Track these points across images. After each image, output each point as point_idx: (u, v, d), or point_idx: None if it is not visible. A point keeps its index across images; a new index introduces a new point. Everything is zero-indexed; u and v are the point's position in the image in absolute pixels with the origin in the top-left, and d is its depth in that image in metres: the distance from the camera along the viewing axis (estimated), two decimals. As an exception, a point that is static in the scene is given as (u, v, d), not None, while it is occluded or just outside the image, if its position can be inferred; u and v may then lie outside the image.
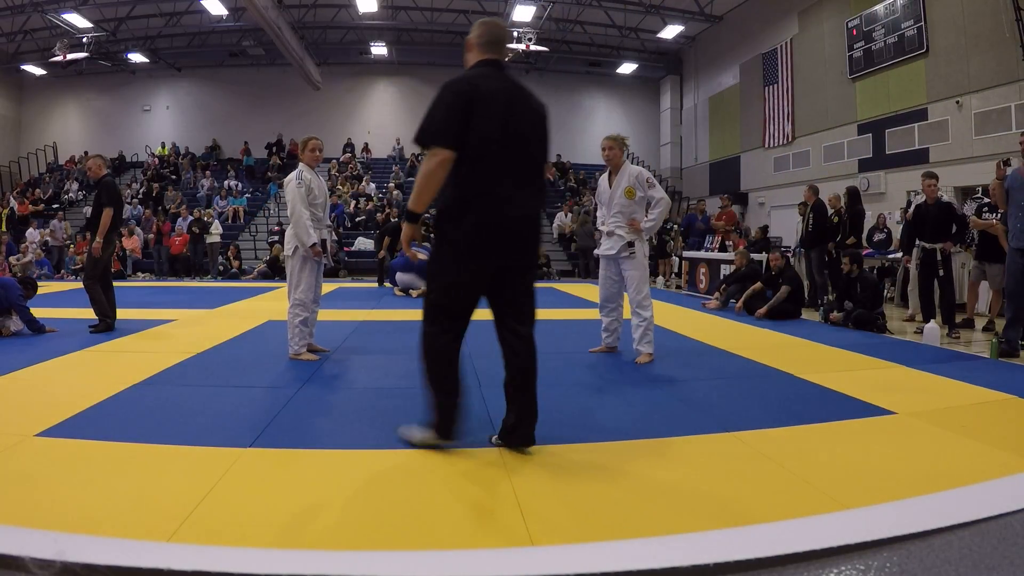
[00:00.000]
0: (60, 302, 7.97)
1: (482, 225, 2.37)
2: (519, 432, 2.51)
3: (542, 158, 2.56)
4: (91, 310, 5.56)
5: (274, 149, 19.85)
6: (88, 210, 15.38)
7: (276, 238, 13.95)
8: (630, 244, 4.39)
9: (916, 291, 7.17)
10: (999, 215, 6.15)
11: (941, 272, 6.23)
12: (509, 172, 2.40)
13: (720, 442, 2.68)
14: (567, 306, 8.43)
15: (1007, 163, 5.22)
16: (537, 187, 2.53)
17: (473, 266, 2.43)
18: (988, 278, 6.53)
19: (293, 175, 4.34)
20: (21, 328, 5.32)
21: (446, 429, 2.48)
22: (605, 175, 4.64)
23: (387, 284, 10.72)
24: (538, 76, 20.77)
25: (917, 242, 6.57)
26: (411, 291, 9.05)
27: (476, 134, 2.31)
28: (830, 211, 8.13)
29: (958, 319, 6.31)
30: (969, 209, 7.58)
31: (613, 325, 4.69)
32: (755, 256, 9.00)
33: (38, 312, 5.53)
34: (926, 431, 2.85)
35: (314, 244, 4.24)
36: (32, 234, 13.94)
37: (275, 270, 12.66)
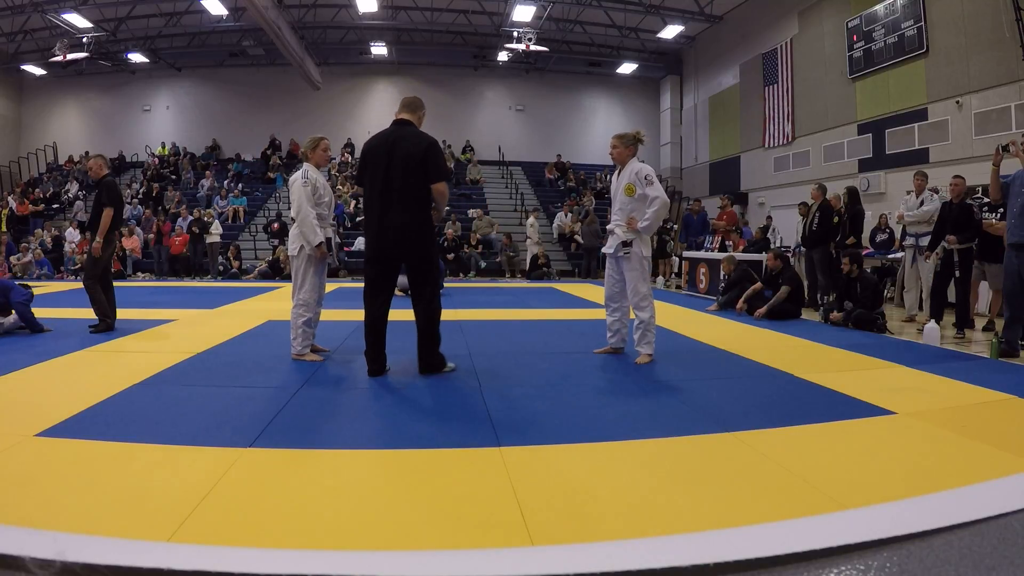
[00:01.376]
0: (60, 302, 7.97)
1: (368, 233, 3.83)
2: (419, 365, 3.91)
3: (411, 187, 3.68)
4: (91, 310, 5.57)
5: (270, 152, 19.80)
6: (76, 205, 15.48)
7: (277, 241, 13.95)
8: (626, 243, 4.35)
9: (911, 292, 7.17)
10: (999, 215, 6.14)
11: (958, 273, 6.21)
12: (380, 199, 3.70)
13: (720, 442, 2.68)
14: (567, 306, 8.43)
15: (1006, 148, 5.18)
16: (405, 209, 3.68)
17: (368, 256, 3.83)
18: (988, 278, 6.52)
19: (299, 174, 4.30)
20: (9, 321, 5.28)
21: (368, 366, 3.87)
22: (616, 173, 4.62)
23: None
24: (538, 76, 20.80)
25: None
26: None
27: (366, 176, 3.79)
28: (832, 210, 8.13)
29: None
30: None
31: (616, 325, 4.63)
32: (755, 256, 9.00)
33: (40, 312, 5.54)
34: (926, 431, 2.85)
35: (320, 244, 4.23)
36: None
37: (275, 270, 12.66)
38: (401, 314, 7.02)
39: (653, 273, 12.11)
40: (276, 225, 14.82)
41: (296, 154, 19.06)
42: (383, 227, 3.71)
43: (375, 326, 3.81)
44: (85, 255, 7.00)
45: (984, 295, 7.04)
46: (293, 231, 4.32)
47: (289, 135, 19.72)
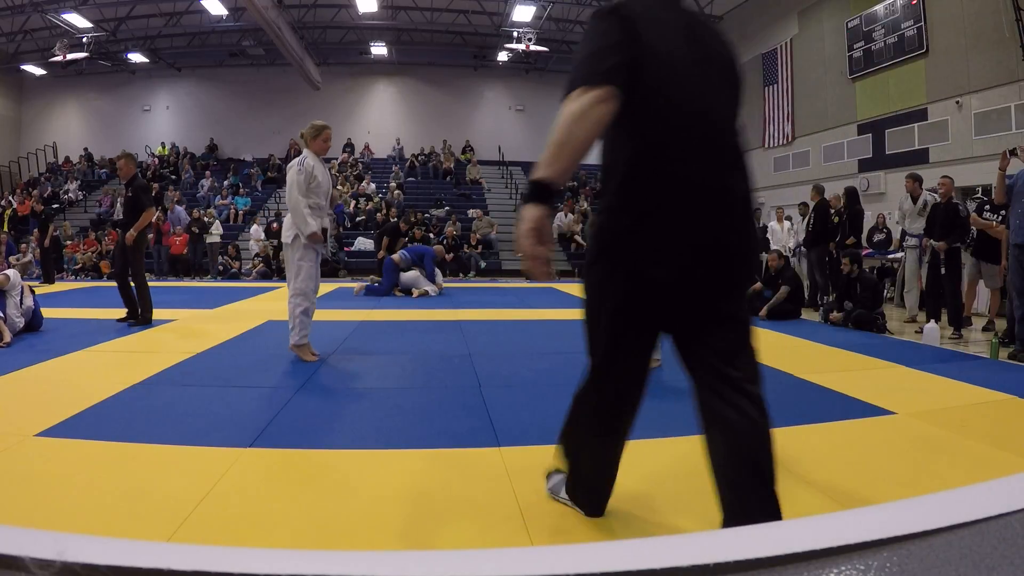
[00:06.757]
0: (60, 302, 7.96)
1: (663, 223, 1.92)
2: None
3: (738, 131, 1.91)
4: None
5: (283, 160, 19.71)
6: (83, 204, 15.40)
7: (276, 241, 13.90)
8: None
9: (913, 292, 7.18)
10: (1000, 216, 6.14)
11: (943, 270, 6.23)
12: (700, 147, 1.82)
13: (720, 442, 2.68)
14: (567, 306, 8.43)
15: (1013, 152, 5.21)
16: (743, 169, 1.83)
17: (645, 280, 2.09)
18: (985, 278, 6.52)
19: (295, 161, 4.29)
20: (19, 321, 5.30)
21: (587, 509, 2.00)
22: None
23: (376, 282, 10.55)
24: (538, 76, 20.78)
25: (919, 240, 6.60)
26: (413, 291, 9.03)
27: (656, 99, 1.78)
28: (831, 211, 8.15)
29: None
30: (970, 209, 7.58)
31: None
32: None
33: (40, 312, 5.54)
34: (926, 431, 2.85)
35: (312, 232, 4.13)
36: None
37: (271, 268, 12.66)
38: (402, 314, 7.04)
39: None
40: (276, 225, 14.81)
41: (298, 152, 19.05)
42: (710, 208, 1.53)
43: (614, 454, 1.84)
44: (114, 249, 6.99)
45: (983, 295, 7.04)
46: (287, 219, 4.29)
47: (288, 135, 19.71)
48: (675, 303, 1.56)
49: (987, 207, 6.48)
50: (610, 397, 1.71)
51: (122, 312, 5.95)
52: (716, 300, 1.56)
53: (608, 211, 1.57)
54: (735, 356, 1.55)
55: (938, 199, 6.52)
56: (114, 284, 5.98)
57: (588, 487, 1.88)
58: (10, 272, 5.35)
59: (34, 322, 5.43)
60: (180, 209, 14.04)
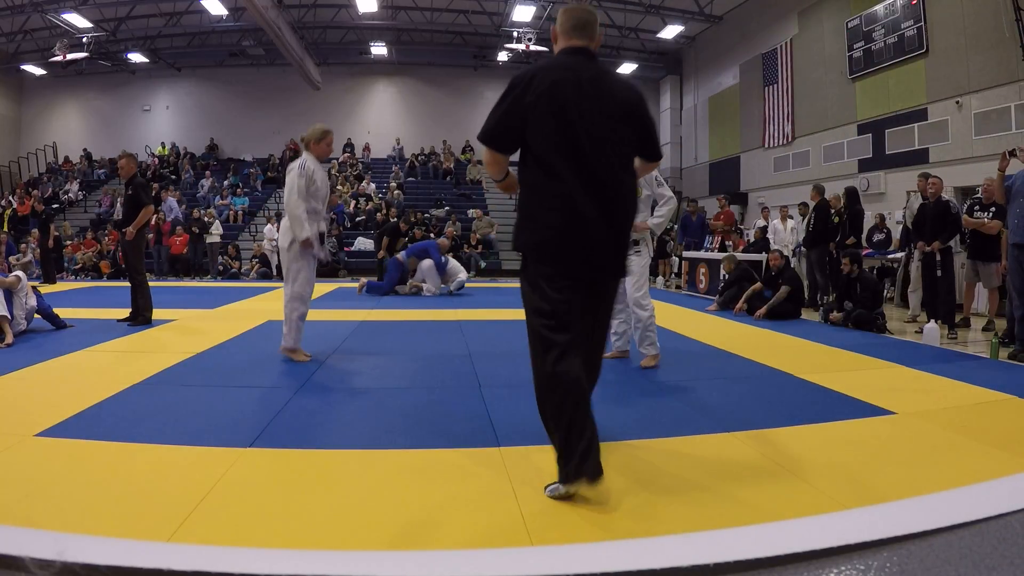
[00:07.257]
0: (60, 302, 7.96)
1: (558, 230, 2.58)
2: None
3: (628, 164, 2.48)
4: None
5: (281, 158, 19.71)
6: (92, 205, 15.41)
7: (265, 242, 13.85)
8: (635, 243, 4.36)
9: (917, 292, 7.18)
10: (991, 214, 6.15)
11: (939, 272, 6.24)
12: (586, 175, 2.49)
13: (720, 442, 2.68)
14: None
15: (1013, 153, 5.22)
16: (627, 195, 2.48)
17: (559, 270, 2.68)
18: (982, 278, 6.53)
19: (296, 164, 4.27)
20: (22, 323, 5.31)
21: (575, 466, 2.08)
22: None
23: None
24: (538, 76, 20.77)
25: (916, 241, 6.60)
26: (417, 286, 9.04)
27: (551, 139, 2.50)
28: (831, 211, 8.14)
29: (956, 318, 6.32)
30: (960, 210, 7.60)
31: (621, 327, 4.60)
32: (755, 256, 9.01)
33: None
34: (926, 431, 2.85)
35: (306, 238, 4.12)
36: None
37: (270, 267, 12.64)
38: (402, 314, 7.04)
39: (652, 273, 12.13)
40: (277, 226, 14.80)
41: (295, 150, 19.03)
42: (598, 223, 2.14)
43: (574, 390, 2.07)
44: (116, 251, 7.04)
45: (982, 295, 7.04)
46: (284, 223, 4.29)
47: (288, 135, 19.70)
48: (567, 282, 2.15)
49: (976, 207, 6.48)
50: (556, 349, 2.09)
51: (123, 312, 5.96)
52: (592, 284, 2.22)
53: (521, 221, 2.22)
54: (594, 328, 2.30)
55: (927, 199, 6.55)
56: (114, 284, 5.99)
57: (569, 443, 2.05)
58: (20, 273, 5.39)
59: (44, 313, 5.51)
60: (172, 199, 14.04)
